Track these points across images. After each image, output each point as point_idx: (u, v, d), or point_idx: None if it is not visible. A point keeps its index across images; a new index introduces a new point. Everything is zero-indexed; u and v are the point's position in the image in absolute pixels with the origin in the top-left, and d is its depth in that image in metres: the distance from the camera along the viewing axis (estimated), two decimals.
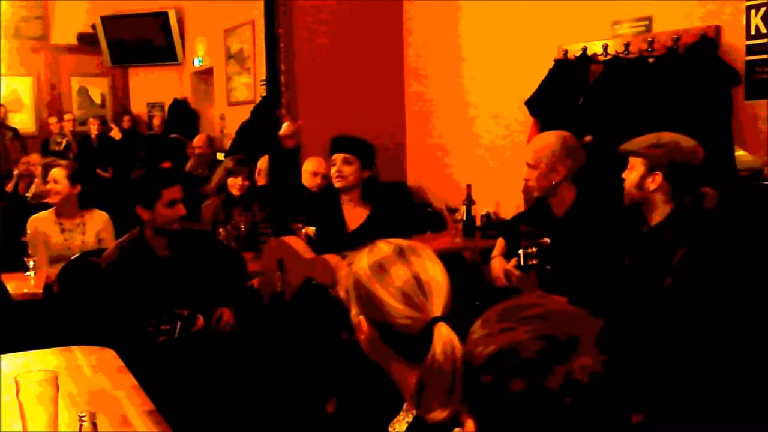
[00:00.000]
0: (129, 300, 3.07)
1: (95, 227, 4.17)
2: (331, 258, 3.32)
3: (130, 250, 3.18)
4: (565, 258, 2.85)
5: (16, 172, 7.41)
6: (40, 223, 4.11)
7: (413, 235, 3.61)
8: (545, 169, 2.98)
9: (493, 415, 0.93)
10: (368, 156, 3.57)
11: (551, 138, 3.05)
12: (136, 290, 3.08)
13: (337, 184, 3.55)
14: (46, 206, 4.27)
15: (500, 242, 3.39)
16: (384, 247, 1.45)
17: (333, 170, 3.54)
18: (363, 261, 1.44)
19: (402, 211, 3.58)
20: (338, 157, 3.52)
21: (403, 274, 1.39)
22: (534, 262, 2.83)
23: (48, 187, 4.12)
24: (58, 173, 4.11)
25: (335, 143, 3.59)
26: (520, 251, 2.90)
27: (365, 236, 3.06)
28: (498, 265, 3.21)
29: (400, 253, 1.43)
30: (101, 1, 10.24)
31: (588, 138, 3.88)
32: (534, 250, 2.84)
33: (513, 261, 2.97)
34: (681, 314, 2.40)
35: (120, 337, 2.90)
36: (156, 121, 10.02)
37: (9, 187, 7.35)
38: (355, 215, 3.57)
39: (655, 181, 2.55)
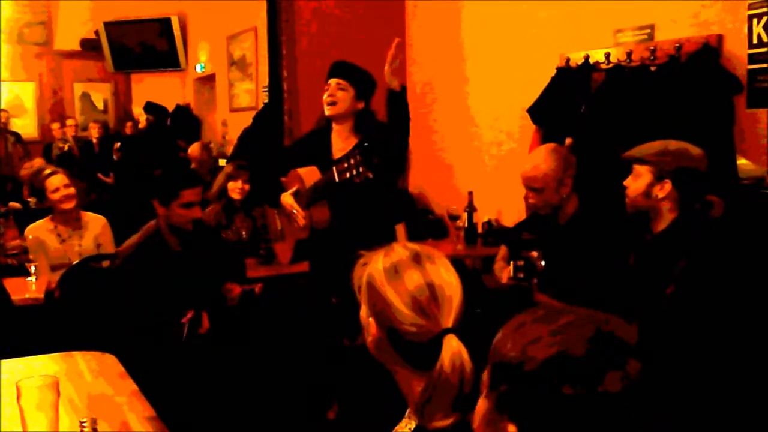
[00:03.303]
0: (145, 295, 3.07)
1: (93, 232, 4.13)
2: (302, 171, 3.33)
3: (147, 243, 3.20)
4: (568, 264, 2.85)
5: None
6: (38, 232, 4.05)
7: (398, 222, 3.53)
8: (554, 187, 2.96)
9: (539, 420, 0.93)
10: (365, 86, 3.36)
11: (547, 156, 2.99)
12: (153, 284, 3.08)
13: (327, 111, 3.33)
14: (46, 212, 4.24)
15: (503, 249, 3.39)
16: (400, 251, 1.43)
17: (325, 95, 3.33)
18: (378, 263, 1.42)
19: (390, 147, 3.34)
20: (332, 81, 3.32)
21: (416, 280, 1.38)
22: (521, 275, 2.86)
23: (59, 195, 4.02)
24: (60, 179, 4.05)
25: (332, 68, 3.40)
26: (511, 263, 2.94)
27: (347, 162, 3.05)
28: (499, 267, 3.23)
29: (416, 258, 1.41)
30: (104, 6, 10.27)
31: (569, 141, 3.89)
32: (521, 263, 2.86)
33: (508, 270, 2.99)
34: (683, 322, 2.40)
35: (131, 336, 2.90)
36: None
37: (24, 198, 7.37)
38: (344, 146, 3.36)
39: (663, 190, 2.53)
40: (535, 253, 2.87)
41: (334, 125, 3.41)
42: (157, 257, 3.17)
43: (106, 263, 3.67)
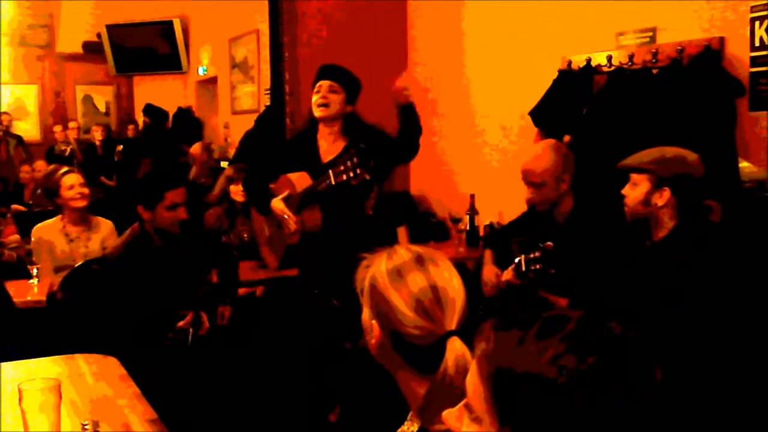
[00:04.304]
0: (136, 294, 3.07)
1: (101, 235, 4.14)
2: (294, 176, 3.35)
3: (133, 243, 3.20)
4: (568, 261, 2.86)
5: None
6: (45, 232, 4.08)
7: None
8: (553, 183, 2.97)
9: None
10: (354, 89, 3.39)
11: (547, 152, 3.02)
12: (142, 283, 3.08)
13: (318, 113, 3.33)
14: (48, 215, 4.25)
15: (488, 253, 3.37)
16: (403, 253, 1.43)
17: (316, 98, 3.33)
18: (381, 265, 1.42)
19: (380, 147, 3.32)
20: (324, 84, 3.33)
21: (420, 282, 1.37)
22: (538, 267, 2.83)
23: (73, 192, 4.04)
24: (76, 178, 4.09)
25: (322, 70, 3.40)
26: (520, 258, 2.90)
27: (344, 164, 3.09)
28: (490, 271, 3.21)
29: (419, 260, 1.41)
30: (107, 9, 10.29)
31: (567, 138, 3.89)
32: (538, 254, 2.83)
33: (509, 270, 2.97)
34: (686, 329, 2.39)
35: (126, 338, 2.90)
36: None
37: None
38: (332, 149, 3.38)
39: (663, 197, 2.53)
40: (550, 244, 2.84)
41: (321, 127, 3.40)
42: (144, 256, 3.16)
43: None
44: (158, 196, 3.11)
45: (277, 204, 3.36)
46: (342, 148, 3.34)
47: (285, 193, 3.36)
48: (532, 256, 2.83)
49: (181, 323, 3.13)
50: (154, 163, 8.20)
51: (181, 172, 6.73)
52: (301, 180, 3.32)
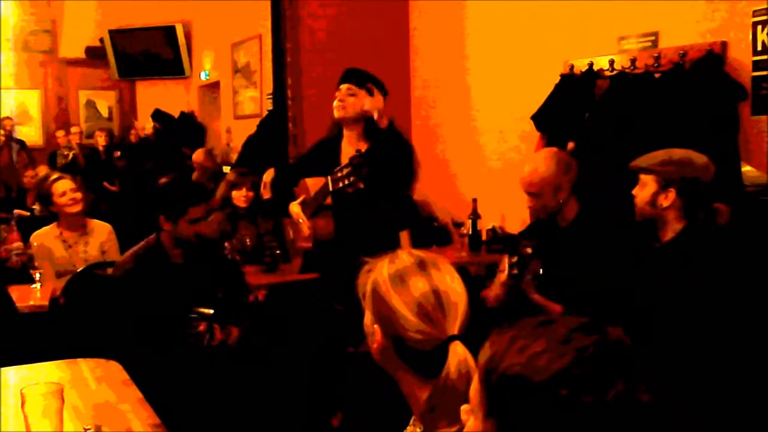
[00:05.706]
0: (144, 308, 3.07)
1: (99, 239, 4.14)
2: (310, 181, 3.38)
3: (146, 257, 3.19)
4: (567, 267, 2.85)
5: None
6: (43, 238, 4.07)
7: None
8: (551, 192, 2.96)
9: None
10: (374, 92, 3.40)
11: (544, 160, 3.00)
12: (151, 298, 3.08)
13: (336, 114, 3.38)
14: (50, 220, 4.26)
15: (505, 260, 3.38)
16: (405, 258, 1.43)
17: (335, 101, 3.40)
18: (383, 270, 1.42)
19: (399, 157, 3.39)
20: (343, 87, 3.39)
21: (422, 287, 1.37)
22: (515, 271, 2.84)
23: (66, 199, 4.05)
24: (68, 184, 4.09)
25: (345, 74, 3.45)
26: (506, 258, 2.91)
27: (340, 171, 3.10)
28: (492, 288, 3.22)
29: (421, 264, 1.41)
30: (109, 14, 10.31)
31: (571, 145, 3.88)
32: (515, 259, 2.84)
33: (501, 277, 2.96)
34: (693, 331, 2.39)
35: (130, 347, 2.89)
36: None
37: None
38: (352, 152, 3.36)
39: (668, 198, 2.54)
40: (529, 249, 2.86)
41: (345, 132, 3.43)
42: (156, 270, 3.15)
43: (110, 270, 3.67)
44: (182, 210, 3.13)
45: (293, 208, 3.38)
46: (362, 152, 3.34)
47: (301, 198, 3.38)
48: (512, 260, 2.85)
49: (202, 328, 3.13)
50: (157, 167, 8.20)
51: (203, 190, 6.70)
52: (316, 185, 3.34)
